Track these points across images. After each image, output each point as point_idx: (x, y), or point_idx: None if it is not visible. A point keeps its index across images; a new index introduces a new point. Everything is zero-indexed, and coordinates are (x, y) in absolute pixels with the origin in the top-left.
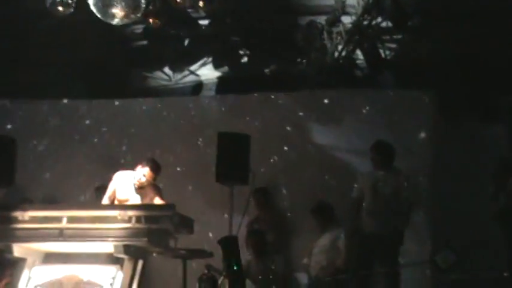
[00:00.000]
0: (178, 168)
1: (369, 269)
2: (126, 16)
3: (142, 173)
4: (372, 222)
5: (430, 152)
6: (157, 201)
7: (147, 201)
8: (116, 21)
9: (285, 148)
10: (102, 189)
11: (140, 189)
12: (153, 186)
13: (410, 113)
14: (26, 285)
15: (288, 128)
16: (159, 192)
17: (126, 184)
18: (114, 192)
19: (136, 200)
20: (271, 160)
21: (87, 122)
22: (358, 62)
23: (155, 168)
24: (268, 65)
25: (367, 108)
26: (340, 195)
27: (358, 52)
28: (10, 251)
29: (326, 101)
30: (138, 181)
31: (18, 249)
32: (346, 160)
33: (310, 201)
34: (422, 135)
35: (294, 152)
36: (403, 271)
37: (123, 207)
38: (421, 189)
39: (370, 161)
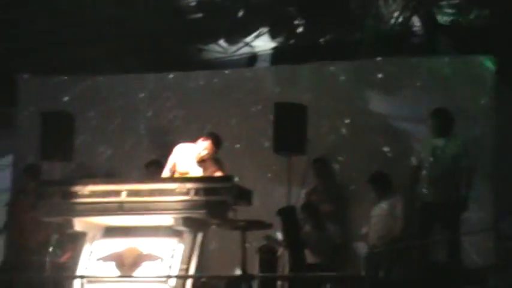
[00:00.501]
0: (234, 141)
1: (428, 238)
2: None
3: (203, 146)
4: (431, 190)
5: (490, 119)
6: (219, 174)
7: (208, 174)
8: None
9: (342, 118)
10: (154, 164)
11: (201, 162)
12: (214, 159)
13: (469, 80)
14: (88, 259)
15: (345, 98)
16: (221, 166)
17: (187, 157)
18: (174, 165)
19: (197, 172)
20: (328, 130)
21: (143, 96)
22: (414, 28)
23: (216, 141)
24: (324, 35)
25: (425, 76)
26: (399, 164)
27: (415, 18)
28: (71, 225)
29: (383, 69)
30: (199, 154)
31: (79, 224)
32: (404, 129)
33: (368, 170)
34: (482, 101)
35: (351, 122)
36: (465, 239)
37: (181, 179)
38: (480, 156)
39: (429, 128)
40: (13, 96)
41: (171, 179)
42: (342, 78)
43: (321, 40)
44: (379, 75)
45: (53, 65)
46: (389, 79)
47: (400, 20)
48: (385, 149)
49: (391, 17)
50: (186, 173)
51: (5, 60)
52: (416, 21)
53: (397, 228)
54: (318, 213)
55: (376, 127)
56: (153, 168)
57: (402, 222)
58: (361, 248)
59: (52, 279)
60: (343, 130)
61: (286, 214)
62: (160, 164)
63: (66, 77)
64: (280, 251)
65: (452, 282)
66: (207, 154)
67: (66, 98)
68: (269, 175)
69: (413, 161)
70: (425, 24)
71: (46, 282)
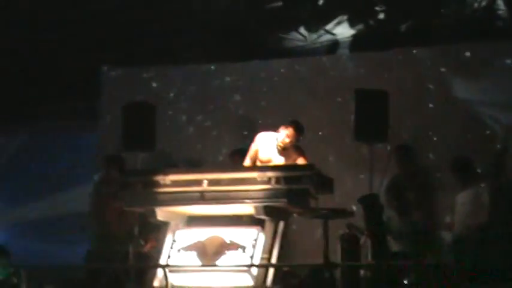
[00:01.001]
0: (316, 129)
1: None
2: None
3: (285, 133)
4: None
5: None
6: (301, 162)
7: (290, 162)
8: None
9: (425, 104)
10: (238, 153)
11: (283, 150)
12: (295, 147)
13: None
14: (171, 248)
15: (428, 84)
16: (302, 153)
17: (269, 145)
18: (256, 153)
19: (279, 161)
20: (411, 117)
21: (223, 85)
22: (499, 12)
23: (298, 129)
24: (406, 20)
25: (510, 60)
26: (484, 150)
27: (499, 2)
28: (154, 215)
29: (467, 54)
30: (281, 142)
31: (161, 213)
32: (489, 114)
33: (453, 157)
34: None
35: (435, 108)
36: None
37: (262, 168)
38: None
39: None
40: (96, 88)
41: (252, 167)
42: (425, 64)
43: (403, 26)
44: (463, 61)
45: (136, 56)
46: (473, 64)
47: (484, 3)
48: (470, 134)
49: (475, 1)
50: (269, 161)
51: (88, 53)
52: (500, 5)
53: (483, 217)
54: (401, 197)
55: (461, 113)
56: (237, 157)
57: (489, 211)
58: (446, 236)
59: (135, 269)
60: (427, 116)
61: (368, 202)
62: (244, 153)
63: (149, 67)
64: (363, 239)
65: None
66: (289, 142)
67: (148, 88)
68: (351, 163)
69: (499, 145)
70: (510, 7)
71: (129, 272)
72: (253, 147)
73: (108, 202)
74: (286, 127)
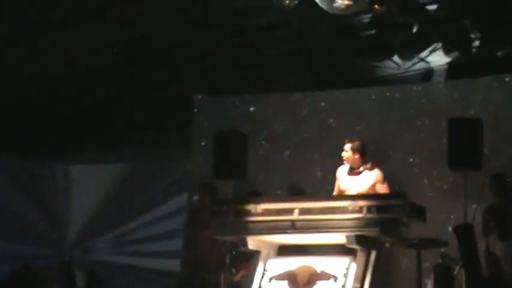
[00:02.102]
0: (408, 156)
1: None
2: (349, 6)
3: (345, 149)
4: None
5: None
6: (379, 187)
7: (365, 184)
8: (340, 12)
9: None
10: None
11: (353, 172)
12: (371, 169)
13: None
14: (262, 278)
15: None
16: (380, 177)
17: (345, 175)
18: (338, 186)
19: (353, 186)
20: (505, 144)
21: (315, 113)
22: None
23: (355, 144)
24: (501, 47)
25: None
26: None
27: None
28: (245, 244)
29: None
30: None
31: (252, 242)
32: None
33: None
34: None
35: None
36: None
37: (353, 197)
38: None
39: None
40: (189, 116)
41: (343, 196)
42: None
43: (499, 53)
44: None
45: (228, 84)
46: None
47: None
48: None
49: None
50: (345, 190)
51: (182, 81)
52: None
53: None
54: (504, 219)
55: None
56: None
57: None
58: None
59: None
60: None
61: (463, 231)
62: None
63: (240, 96)
64: (457, 269)
65: None
66: (348, 156)
67: (240, 117)
68: (444, 191)
69: None
70: None
71: None
72: (336, 183)
73: (200, 230)
74: (347, 143)
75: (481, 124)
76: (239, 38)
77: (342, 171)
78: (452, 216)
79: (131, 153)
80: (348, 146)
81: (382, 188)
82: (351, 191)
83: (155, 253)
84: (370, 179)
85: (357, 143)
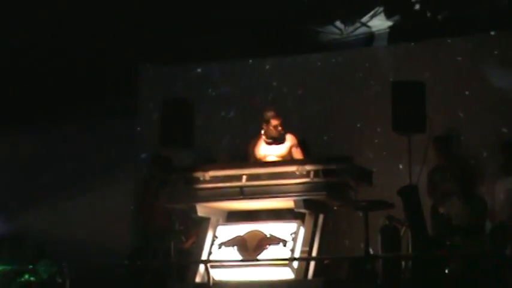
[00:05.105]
0: (353, 121)
1: None
2: None
3: (273, 124)
4: None
5: None
6: (295, 150)
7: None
8: None
9: (463, 94)
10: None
11: (276, 141)
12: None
13: None
14: (211, 244)
15: (465, 74)
16: (294, 141)
17: (262, 143)
18: (253, 154)
19: (271, 152)
20: (448, 107)
21: (261, 80)
22: None
23: (280, 116)
24: (441, 11)
25: None
26: None
27: None
28: (194, 211)
29: (501, 44)
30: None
31: (201, 209)
32: None
33: (492, 147)
34: None
35: (472, 98)
36: None
37: (300, 161)
38: None
39: None
40: (135, 86)
41: (291, 161)
42: (462, 53)
43: (439, 16)
44: (500, 49)
45: (173, 53)
46: (508, 53)
47: None
48: (505, 124)
49: None
50: (265, 157)
51: (127, 51)
52: None
53: None
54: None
55: (499, 102)
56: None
57: None
58: (486, 225)
59: (177, 265)
60: (464, 106)
61: (408, 193)
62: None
63: (184, 64)
64: (403, 230)
65: None
66: (277, 131)
67: (185, 85)
68: (388, 154)
69: None
70: None
71: (171, 268)
72: (251, 149)
73: (152, 199)
74: (269, 112)
75: (424, 87)
76: (183, 7)
77: (255, 141)
78: (397, 179)
79: (77, 125)
80: (276, 122)
81: (297, 152)
82: (271, 157)
83: None
84: (286, 144)
85: (279, 116)
